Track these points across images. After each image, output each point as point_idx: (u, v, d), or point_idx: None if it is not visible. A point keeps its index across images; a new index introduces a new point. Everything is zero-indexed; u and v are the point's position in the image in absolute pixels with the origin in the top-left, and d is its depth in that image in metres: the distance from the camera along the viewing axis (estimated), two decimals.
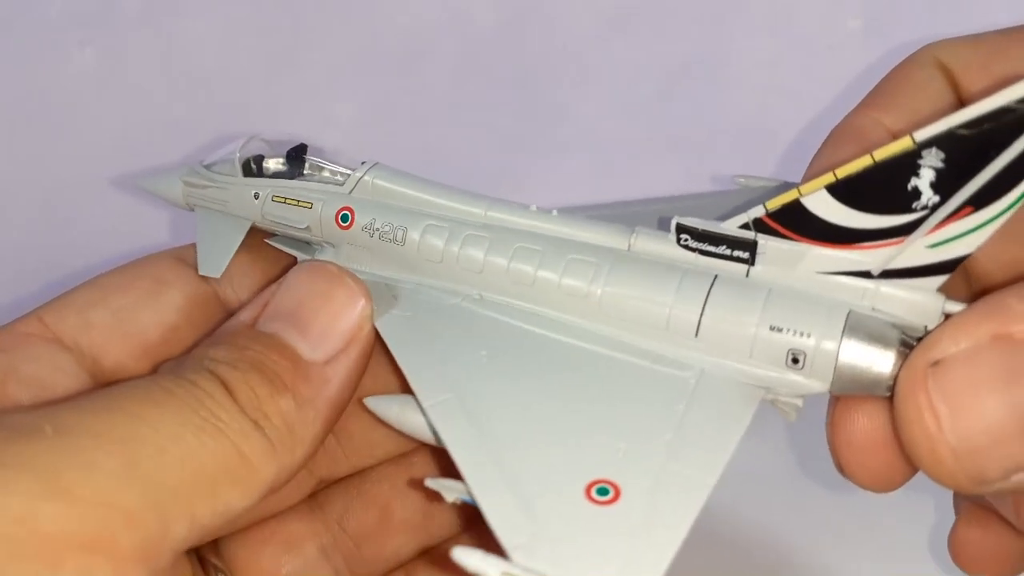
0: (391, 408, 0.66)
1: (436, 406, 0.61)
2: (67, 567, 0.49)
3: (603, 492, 0.54)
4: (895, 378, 0.58)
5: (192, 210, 0.85)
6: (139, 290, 0.75)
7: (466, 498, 0.55)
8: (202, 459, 0.56)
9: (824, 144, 0.74)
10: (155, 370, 0.72)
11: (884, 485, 0.64)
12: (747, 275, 0.64)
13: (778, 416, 0.64)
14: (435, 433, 0.62)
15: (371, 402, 0.67)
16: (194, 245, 0.80)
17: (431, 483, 0.58)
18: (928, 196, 0.57)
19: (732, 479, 0.57)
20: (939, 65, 0.73)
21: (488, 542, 0.51)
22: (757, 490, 1.03)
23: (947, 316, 0.60)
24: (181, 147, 1.27)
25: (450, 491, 0.57)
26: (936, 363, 0.55)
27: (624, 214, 0.76)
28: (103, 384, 0.71)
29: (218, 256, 0.79)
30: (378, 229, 0.74)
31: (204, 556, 0.78)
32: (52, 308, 0.73)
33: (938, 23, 1.18)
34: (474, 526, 0.83)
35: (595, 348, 0.66)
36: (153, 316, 0.75)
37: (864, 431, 0.62)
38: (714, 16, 1.23)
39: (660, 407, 0.60)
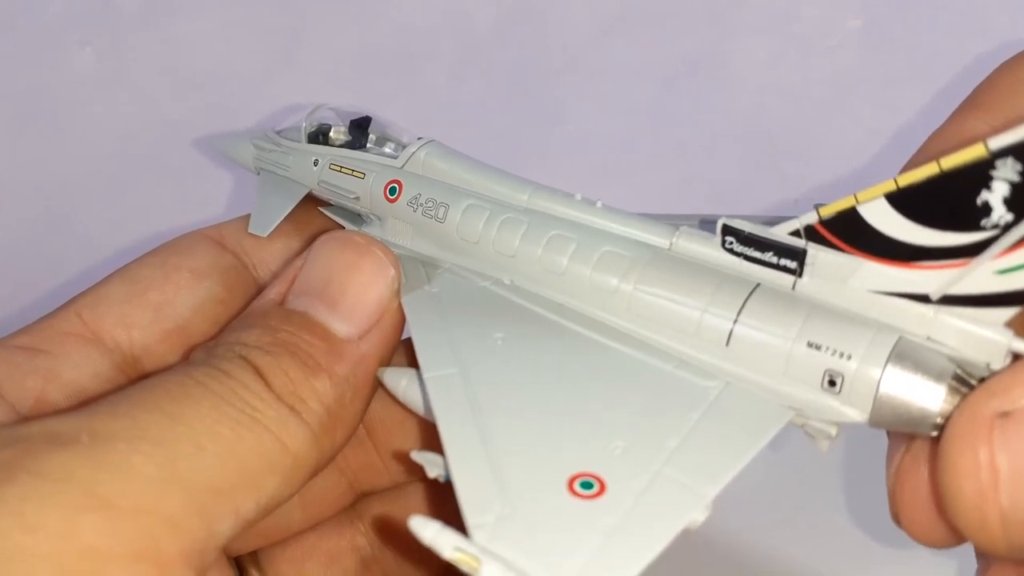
0: (400, 381, 0.64)
1: (436, 378, 0.59)
2: None
3: (587, 486, 0.50)
4: (946, 417, 0.51)
5: (258, 173, 0.85)
6: (177, 285, 0.72)
7: (449, 476, 0.52)
8: (241, 453, 0.54)
9: (919, 152, 0.63)
10: (187, 356, 0.70)
11: (945, 543, 0.56)
12: (793, 287, 0.59)
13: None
14: (426, 405, 0.59)
15: (383, 373, 0.65)
16: (232, 222, 0.80)
17: (416, 455, 0.56)
18: (1000, 214, 0.49)
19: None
20: None
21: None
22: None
23: (1015, 356, 0.53)
24: (181, 147, 1.26)
25: (433, 465, 0.55)
26: (1005, 414, 0.48)
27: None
28: (140, 377, 0.68)
29: (269, 217, 0.79)
30: (422, 204, 0.72)
31: (245, 567, 0.77)
32: (89, 303, 0.70)
33: (938, 23, 1.18)
34: None
35: (616, 345, 0.62)
36: (193, 310, 0.72)
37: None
38: (713, 16, 1.23)
39: (672, 412, 0.56)
